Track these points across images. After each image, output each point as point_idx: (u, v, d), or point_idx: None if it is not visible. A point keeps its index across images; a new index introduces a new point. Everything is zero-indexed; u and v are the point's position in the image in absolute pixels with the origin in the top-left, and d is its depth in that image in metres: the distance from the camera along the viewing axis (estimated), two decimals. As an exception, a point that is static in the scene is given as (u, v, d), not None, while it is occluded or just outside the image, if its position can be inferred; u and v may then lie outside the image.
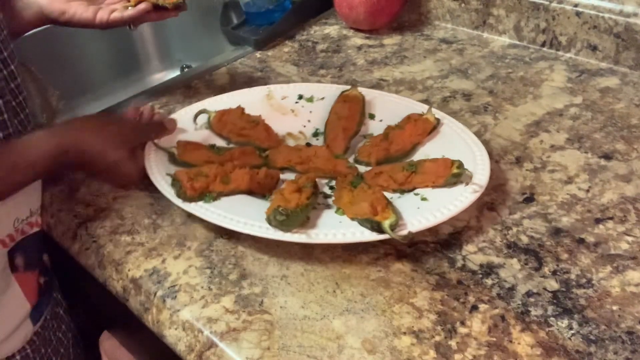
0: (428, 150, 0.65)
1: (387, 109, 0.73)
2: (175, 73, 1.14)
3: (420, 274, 0.53)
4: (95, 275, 0.58)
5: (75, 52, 1.13)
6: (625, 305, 0.50)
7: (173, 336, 0.51)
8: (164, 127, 0.67)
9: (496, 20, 0.93)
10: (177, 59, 1.25)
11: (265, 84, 0.82)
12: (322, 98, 0.75)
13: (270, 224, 0.54)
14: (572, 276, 0.53)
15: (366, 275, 0.53)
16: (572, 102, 0.77)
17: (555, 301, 0.50)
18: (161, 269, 0.55)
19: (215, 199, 0.58)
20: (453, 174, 0.58)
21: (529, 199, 0.61)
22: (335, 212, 0.57)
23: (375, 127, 0.71)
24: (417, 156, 0.65)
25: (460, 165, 0.58)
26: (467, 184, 0.56)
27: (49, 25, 1.08)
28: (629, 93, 0.78)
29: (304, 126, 0.74)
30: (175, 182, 0.59)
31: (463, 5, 0.96)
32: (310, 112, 0.75)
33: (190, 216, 0.60)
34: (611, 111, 0.75)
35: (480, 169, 0.60)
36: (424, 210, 0.56)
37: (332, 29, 1.00)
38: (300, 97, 0.76)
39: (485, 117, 0.75)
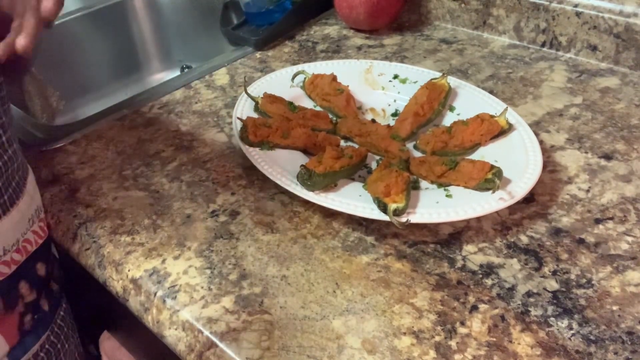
0: (485, 152, 0.64)
1: (472, 105, 0.71)
2: (175, 73, 1.14)
3: (420, 274, 0.53)
4: (95, 275, 0.58)
5: (75, 53, 1.13)
6: (625, 306, 0.50)
7: (173, 336, 0.51)
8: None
9: (496, 21, 0.93)
10: (177, 59, 1.25)
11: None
12: (415, 82, 0.76)
13: (297, 179, 0.58)
14: (572, 276, 0.53)
15: (366, 276, 0.53)
16: (572, 102, 0.77)
17: (555, 301, 0.50)
18: (161, 269, 0.55)
19: (270, 148, 0.64)
20: (486, 179, 0.57)
21: (529, 199, 0.61)
22: (363, 186, 0.59)
23: (451, 120, 0.71)
24: (474, 156, 0.64)
25: (497, 172, 0.57)
26: (493, 192, 0.55)
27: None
28: (629, 93, 0.78)
29: (389, 105, 0.76)
30: (243, 127, 0.65)
31: (463, 5, 0.96)
32: (399, 92, 0.77)
33: (190, 216, 0.60)
34: (611, 111, 0.75)
35: (523, 181, 0.58)
36: (440, 206, 0.56)
37: (332, 29, 1.00)
38: (396, 76, 0.78)
39: (485, 117, 0.75)
